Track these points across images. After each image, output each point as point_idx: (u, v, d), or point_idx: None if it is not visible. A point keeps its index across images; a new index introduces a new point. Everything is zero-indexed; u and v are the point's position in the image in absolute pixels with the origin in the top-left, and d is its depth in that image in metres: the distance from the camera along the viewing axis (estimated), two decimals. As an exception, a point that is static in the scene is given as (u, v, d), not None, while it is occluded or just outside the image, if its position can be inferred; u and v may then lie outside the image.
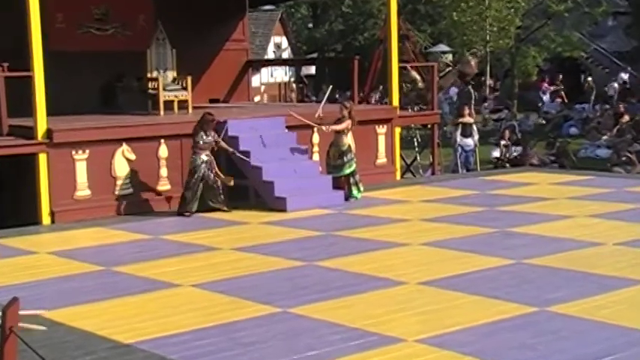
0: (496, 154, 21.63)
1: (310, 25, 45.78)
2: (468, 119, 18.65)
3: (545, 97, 33.16)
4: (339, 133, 13.26)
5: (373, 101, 21.06)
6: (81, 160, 12.45)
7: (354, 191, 13.29)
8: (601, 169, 18.84)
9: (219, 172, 12.49)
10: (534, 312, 7.38)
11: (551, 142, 22.56)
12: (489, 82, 34.02)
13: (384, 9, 21.28)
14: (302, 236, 10.91)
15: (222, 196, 12.53)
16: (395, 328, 7.04)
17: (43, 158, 12.19)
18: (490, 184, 14.86)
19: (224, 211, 12.44)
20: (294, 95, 32.66)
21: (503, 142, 21.73)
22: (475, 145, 18.62)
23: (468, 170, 17.89)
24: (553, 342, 6.63)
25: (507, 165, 20.16)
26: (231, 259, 9.73)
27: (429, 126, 17.47)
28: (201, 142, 12.33)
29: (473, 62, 20.68)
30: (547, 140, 23.31)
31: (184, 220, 12.17)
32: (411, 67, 18.66)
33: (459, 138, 18.41)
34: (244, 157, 12.88)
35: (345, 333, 6.94)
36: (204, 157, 12.35)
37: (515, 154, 21.15)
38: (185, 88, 14.78)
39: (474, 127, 18.75)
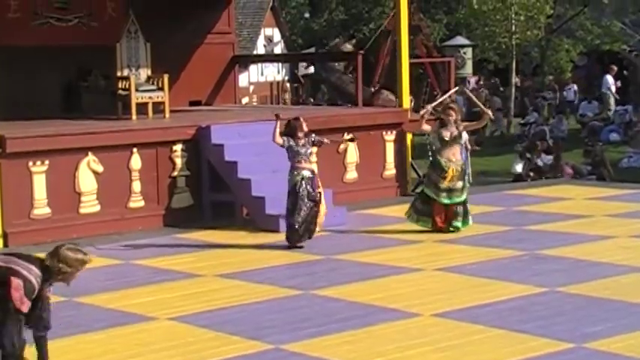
0: (518, 168, 21.15)
1: (307, 15, 45.86)
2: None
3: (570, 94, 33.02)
4: (456, 144, 12.19)
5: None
6: (39, 173, 12.45)
7: (460, 222, 12.11)
8: (647, 181, 18.83)
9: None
10: (569, 349, 7.36)
11: (588, 150, 22.55)
12: (515, 80, 34.05)
13: (393, -5, 21.36)
14: (297, 260, 10.90)
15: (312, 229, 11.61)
16: (406, 367, 7.02)
17: (-6, 170, 12.20)
18: (516, 199, 14.85)
19: (298, 247, 11.50)
20: (287, 96, 32.76)
21: (528, 155, 21.39)
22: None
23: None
24: (591, 384, 6.64)
25: (529, 180, 19.93)
26: (215, 288, 9.71)
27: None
28: (296, 154, 11.50)
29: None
30: (584, 148, 23.28)
31: (160, 243, 12.15)
32: (424, 62, 18.66)
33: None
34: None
35: (348, 374, 6.94)
36: (304, 172, 11.54)
37: (541, 164, 20.96)
38: (161, 89, 14.78)
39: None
